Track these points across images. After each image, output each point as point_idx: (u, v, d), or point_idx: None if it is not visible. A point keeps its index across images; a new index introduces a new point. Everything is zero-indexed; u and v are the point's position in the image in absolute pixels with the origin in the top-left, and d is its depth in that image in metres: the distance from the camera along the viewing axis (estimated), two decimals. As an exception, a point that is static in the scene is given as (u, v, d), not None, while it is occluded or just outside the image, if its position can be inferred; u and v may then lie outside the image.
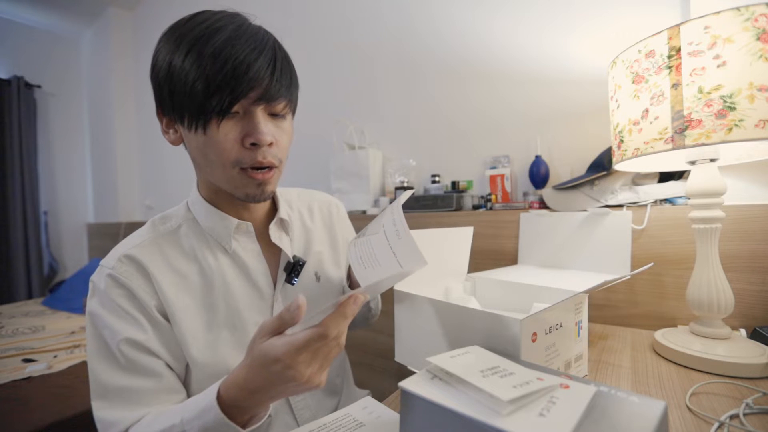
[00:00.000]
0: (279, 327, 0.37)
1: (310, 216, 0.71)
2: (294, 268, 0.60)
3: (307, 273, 0.65)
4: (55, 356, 1.45)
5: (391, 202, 1.32)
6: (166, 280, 0.54)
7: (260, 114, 0.50)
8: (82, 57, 3.48)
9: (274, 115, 0.52)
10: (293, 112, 0.57)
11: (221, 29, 0.48)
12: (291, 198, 0.71)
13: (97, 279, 0.53)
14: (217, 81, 0.46)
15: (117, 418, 0.48)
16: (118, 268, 0.52)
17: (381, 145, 1.51)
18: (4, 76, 3.02)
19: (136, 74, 3.09)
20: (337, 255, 0.72)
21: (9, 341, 1.61)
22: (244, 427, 0.42)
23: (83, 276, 2.49)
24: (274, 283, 0.61)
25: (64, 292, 2.42)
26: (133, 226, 2.75)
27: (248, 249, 0.60)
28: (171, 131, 0.55)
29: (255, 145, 0.50)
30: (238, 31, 0.48)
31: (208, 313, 0.56)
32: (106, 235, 3.07)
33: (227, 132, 0.49)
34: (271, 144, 0.51)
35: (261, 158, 0.50)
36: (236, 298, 0.57)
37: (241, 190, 0.53)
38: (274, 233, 0.62)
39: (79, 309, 2.14)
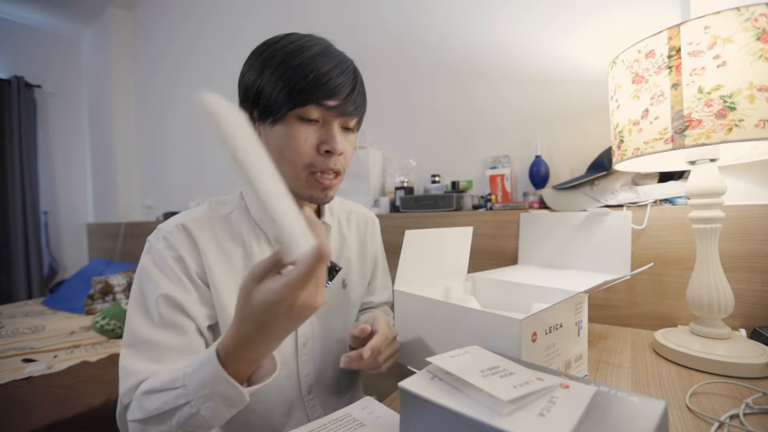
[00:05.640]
0: (275, 265, 0.35)
1: (348, 225, 0.75)
2: (330, 272, 0.62)
3: (335, 279, 0.68)
4: (55, 356, 1.45)
5: (391, 202, 1.32)
6: (213, 256, 0.57)
7: (336, 126, 0.56)
8: (82, 57, 3.48)
9: (345, 129, 0.58)
10: (358, 130, 0.64)
11: (309, 48, 0.54)
12: (332, 205, 0.74)
13: (154, 239, 0.57)
14: (299, 87, 0.52)
15: (138, 368, 0.49)
16: (174, 233, 0.56)
17: (381, 145, 1.51)
18: (4, 76, 3.02)
19: (136, 74, 3.10)
20: (364, 267, 0.76)
21: (9, 341, 1.61)
22: (249, 384, 0.42)
23: (83, 276, 2.49)
24: None
25: (64, 292, 2.42)
26: (133, 226, 2.75)
27: None
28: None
29: (329, 153, 0.55)
30: (325, 51, 0.55)
31: None
32: (106, 235, 3.07)
33: (307, 138, 0.54)
34: (341, 154, 0.56)
35: (332, 165, 0.56)
36: None
37: (307, 191, 0.57)
38: None
39: (79, 309, 2.14)
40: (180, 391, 0.42)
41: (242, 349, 0.40)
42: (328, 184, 0.57)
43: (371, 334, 0.54)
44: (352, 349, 0.64)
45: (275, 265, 0.36)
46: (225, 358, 0.40)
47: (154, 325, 0.52)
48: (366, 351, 0.49)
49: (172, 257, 0.55)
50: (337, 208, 0.75)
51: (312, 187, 0.57)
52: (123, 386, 0.50)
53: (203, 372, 0.41)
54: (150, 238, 0.58)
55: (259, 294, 0.35)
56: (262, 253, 0.61)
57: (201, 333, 0.55)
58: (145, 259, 0.56)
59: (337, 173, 0.57)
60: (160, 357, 0.51)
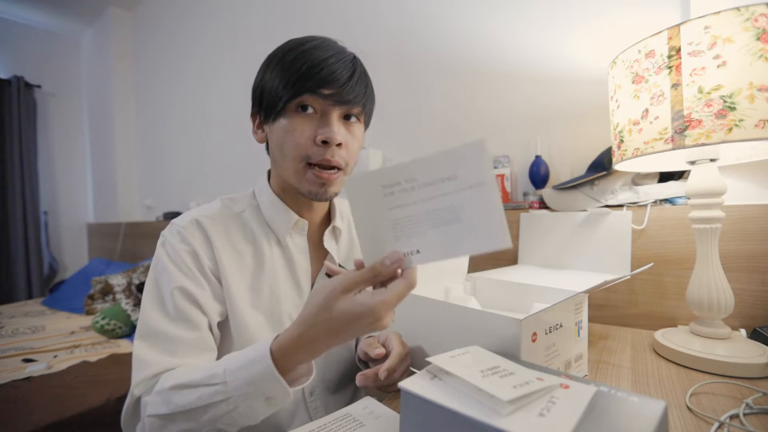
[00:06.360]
0: (366, 282, 0.38)
1: None
2: None
3: None
4: (55, 356, 1.45)
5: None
6: (226, 253, 0.58)
7: (335, 116, 0.55)
8: (82, 57, 3.48)
9: (347, 119, 0.57)
10: (366, 124, 0.63)
11: (306, 43, 0.55)
12: (343, 209, 0.74)
13: (168, 233, 0.58)
14: (295, 78, 0.52)
15: (153, 360, 0.50)
16: (188, 228, 0.57)
17: (381, 145, 1.51)
18: (4, 76, 3.02)
19: (136, 74, 3.09)
20: None
21: (9, 341, 1.61)
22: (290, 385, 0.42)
23: (83, 276, 2.49)
24: (312, 285, 0.64)
25: (64, 292, 2.42)
26: (133, 226, 2.75)
27: (299, 246, 0.64)
28: (259, 131, 0.62)
29: (325, 143, 0.54)
30: (322, 44, 0.55)
31: (253, 294, 0.59)
32: (106, 235, 3.07)
33: (304, 129, 0.54)
34: (340, 145, 0.55)
35: (329, 156, 0.54)
36: (279, 288, 0.61)
37: (306, 186, 0.56)
38: (328, 240, 0.66)
39: (79, 309, 2.14)
40: (218, 387, 0.42)
41: (299, 351, 0.40)
42: (327, 179, 0.55)
43: (386, 355, 0.54)
44: (360, 361, 0.64)
45: (366, 282, 0.37)
46: (277, 358, 0.41)
47: (168, 317, 0.52)
48: (382, 373, 0.49)
49: (187, 251, 0.55)
50: (347, 212, 0.75)
51: (311, 182, 0.56)
52: (136, 377, 0.49)
53: (251, 370, 0.41)
54: (164, 232, 0.58)
55: (345, 304, 0.37)
56: (272, 252, 0.61)
57: (212, 330, 0.55)
58: (159, 252, 0.57)
59: (338, 168, 0.56)
60: (174, 350, 0.51)
